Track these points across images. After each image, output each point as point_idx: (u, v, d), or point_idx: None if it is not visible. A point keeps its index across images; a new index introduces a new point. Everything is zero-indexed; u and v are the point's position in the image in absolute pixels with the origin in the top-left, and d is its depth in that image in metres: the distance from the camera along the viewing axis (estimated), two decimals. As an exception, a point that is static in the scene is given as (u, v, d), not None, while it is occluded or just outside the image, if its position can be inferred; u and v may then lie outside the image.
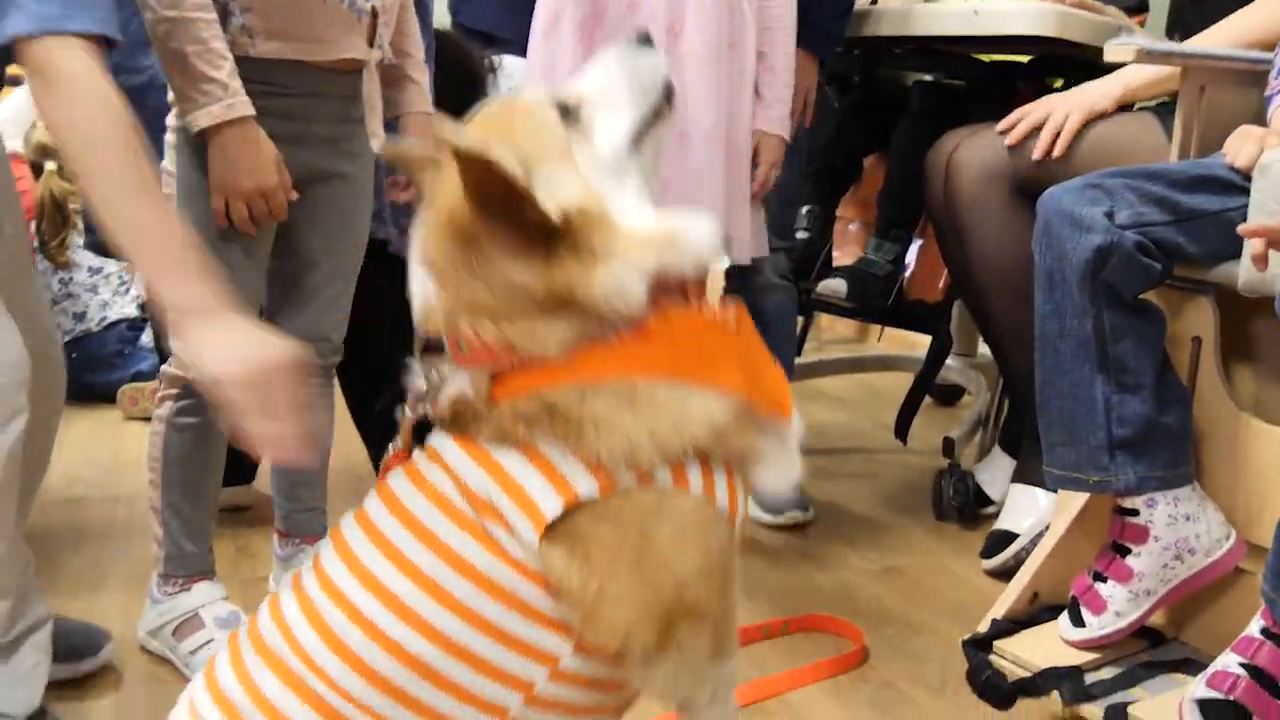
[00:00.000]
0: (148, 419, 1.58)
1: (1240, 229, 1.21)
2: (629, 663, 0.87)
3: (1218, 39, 1.68)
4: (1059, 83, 2.30)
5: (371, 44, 1.46)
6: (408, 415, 0.93)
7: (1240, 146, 1.39)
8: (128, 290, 2.88)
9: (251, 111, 1.32)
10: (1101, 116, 1.77)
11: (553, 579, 0.83)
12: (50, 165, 2.92)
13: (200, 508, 1.55)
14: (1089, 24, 1.99)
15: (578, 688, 0.88)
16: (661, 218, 0.89)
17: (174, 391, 1.49)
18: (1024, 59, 2.33)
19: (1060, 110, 1.77)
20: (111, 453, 2.50)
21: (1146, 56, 1.50)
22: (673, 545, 0.85)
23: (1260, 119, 1.50)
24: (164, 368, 1.52)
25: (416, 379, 0.91)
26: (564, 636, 0.85)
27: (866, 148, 2.43)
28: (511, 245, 0.84)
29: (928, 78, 2.42)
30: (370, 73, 1.47)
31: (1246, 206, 1.35)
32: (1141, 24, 2.40)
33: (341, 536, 0.90)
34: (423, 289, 0.89)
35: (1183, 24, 1.99)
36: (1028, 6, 1.96)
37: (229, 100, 1.31)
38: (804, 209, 2.37)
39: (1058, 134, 1.76)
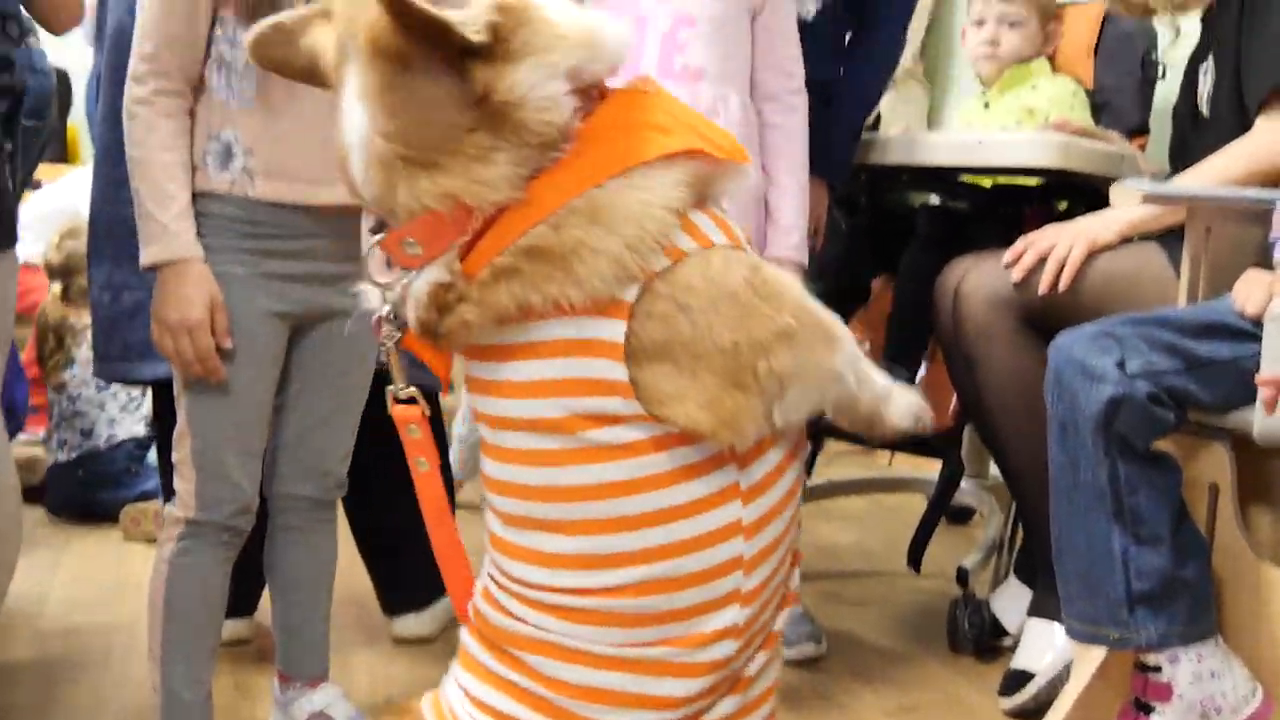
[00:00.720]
0: (151, 541, 1.57)
1: (1258, 378, 1.20)
2: (775, 413, 0.86)
3: (1214, 174, 1.69)
4: (1064, 205, 2.31)
5: None
6: (389, 348, 0.91)
7: (1249, 293, 1.38)
8: (137, 408, 2.87)
9: (193, 253, 1.35)
10: (1105, 247, 1.78)
11: (661, 393, 0.83)
12: (55, 287, 2.94)
13: (201, 652, 1.52)
14: (1091, 153, 2.00)
15: (767, 488, 0.88)
16: (581, 16, 0.87)
17: (176, 532, 1.47)
18: (1030, 182, 2.35)
19: (1064, 242, 1.77)
20: (112, 575, 2.47)
21: (1152, 199, 1.50)
22: (725, 300, 0.85)
23: (1265, 259, 1.50)
24: (166, 508, 1.50)
25: (372, 298, 0.91)
26: (724, 467, 0.86)
27: (874, 270, 2.43)
28: (437, 73, 0.82)
29: (934, 201, 2.44)
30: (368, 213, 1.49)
31: (1259, 354, 1.34)
32: (1142, 147, 2.42)
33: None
34: (358, 162, 0.86)
35: (1184, 148, 2.00)
36: (1031, 137, 1.98)
37: (168, 241, 1.35)
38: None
39: (1062, 266, 1.76)
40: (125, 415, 2.85)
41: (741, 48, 1.71)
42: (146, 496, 2.80)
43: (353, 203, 1.42)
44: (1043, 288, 1.76)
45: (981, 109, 2.54)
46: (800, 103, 1.79)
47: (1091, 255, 1.76)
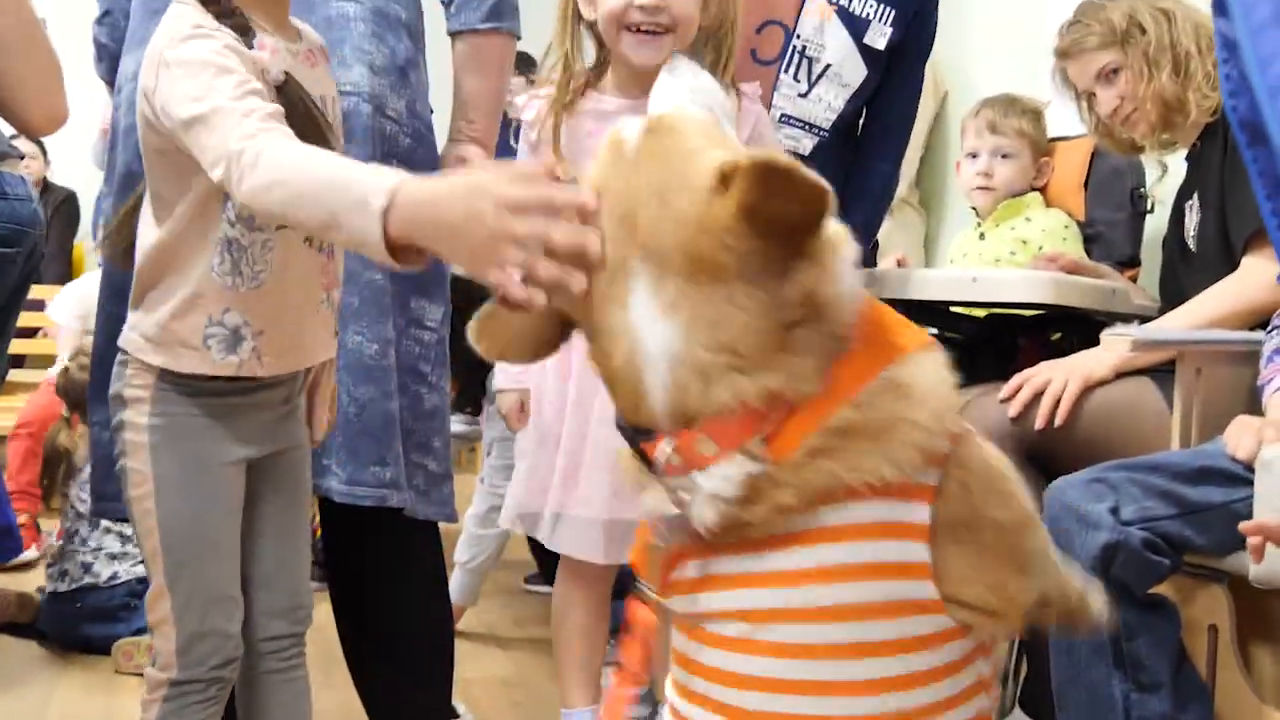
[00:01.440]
0: (141, 675, 1.54)
1: (1241, 526, 1.21)
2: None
3: (1201, 314, 1.72)
4: (1058, 335, 2.35)
5: (335, 335, 1.48)
6: (660, 547, 0.88)
7: (1239, 438, 1.40)
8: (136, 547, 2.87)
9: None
10: (1100, 382, 1.80)
11: (956, 574, 0.84)
12: (63, 410, 2.94)
13: None
14: (1084, 289, 2.04)
15: None
16: None
17: (161, 694, 1.41)
18: (1024, 312, 2.39)
19: (1059, 378, 1.80)
20: (103, 711, 2.45)
21: (1142, 347, 1.53)
22: (997, 480, 0.89)
23: (1255, 395, 1.53)
24: (148, 670, 1.43)
25: (655, 501, 0.87)
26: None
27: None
28: (764, 268, 0.83)
29: (931, 332, 2.47)
30: (331, 364, 1.49)
31: (1251, 498, 1.35)
32: (1134, 279, 2.46)
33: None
34: (662, 376, 0.84)
35: (1174, 280, 2.04)
36: (1023, 275, 2.02)
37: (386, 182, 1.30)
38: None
39: (1057, 401, 1.79)
40: (125, 555, 2.82)
41: None
42: (141, 632, 2.77)
43: (330, 357, 1.44)
44: (1039, 423, 1.78)
45: (977, 239, 2.59)
46: None
47: (1087, 390, 1.79)
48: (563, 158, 1.70)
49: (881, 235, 3.07)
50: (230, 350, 1.33)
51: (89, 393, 1.86)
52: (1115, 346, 1.54)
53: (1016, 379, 1.85)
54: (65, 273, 5.13)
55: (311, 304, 1.38)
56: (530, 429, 1.79)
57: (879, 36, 1.97)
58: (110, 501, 1.84)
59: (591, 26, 1.72)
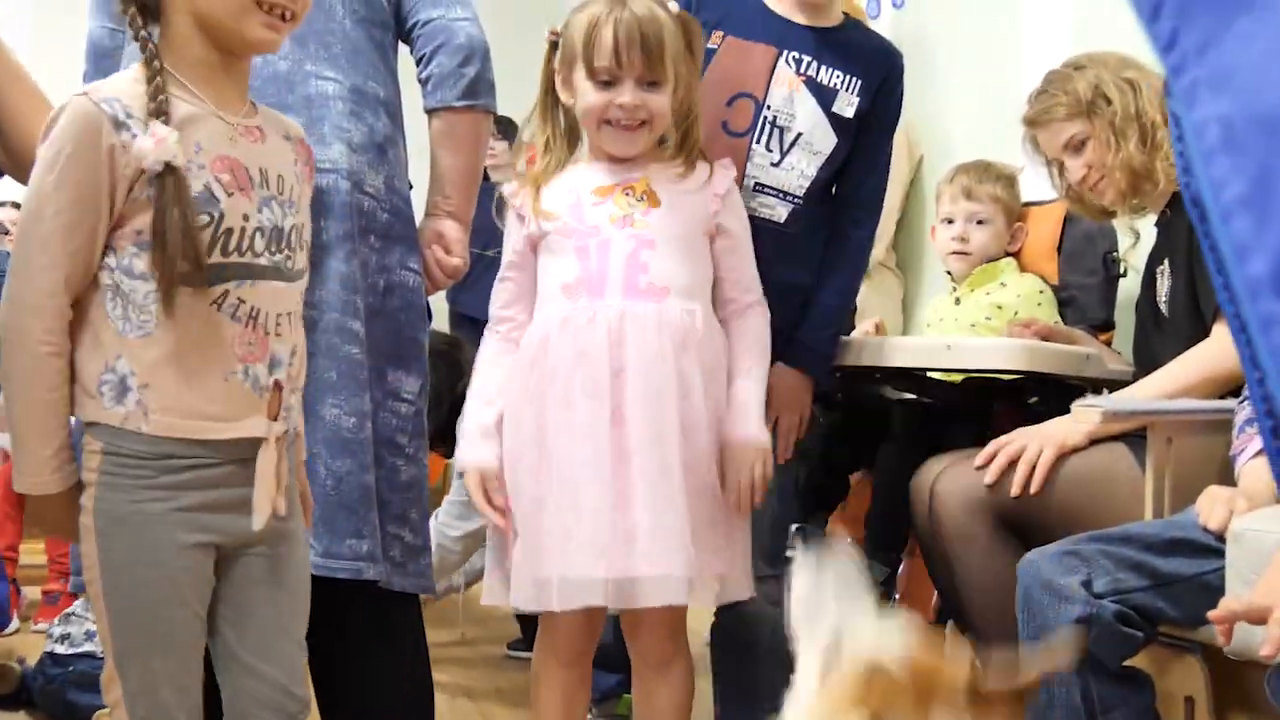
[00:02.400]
0: None
1: (1210, 615, 1.21)
2: None
3: (1172, 382, 1.74)
4: (1033, 400, 2.37)
5: (274, 418, 1.40)
6: None
7: (1211, 509, 1.42)
8: None
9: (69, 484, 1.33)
10: (1075, 449, 1.82)
11: None
12: None
13: None
14: (1058, 356, 2.07)
15: None
16: None
17: None
18: (1000, 377, 2.41)
19: (1034, 445, 1.81)
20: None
21: (1113, 418, 1.55)
22: None
23: (1227, 463, 1.54)
24: None
25: None
26: None
27: (852, 465, 2.47)
28: None
29: (909, 397, 2.49)
30: (268, 447, 1.38)
31: (1223, 568, 1.36)
32: (1108, 342, 2.49)
33: None
34: None
35: (1147, 345, 2.07)
36: (999, 342, 2.05)
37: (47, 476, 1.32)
38: (793, 528, 2.39)
39: (1032, 469, 1.80)
40: None
41: (702, 265, 1.77)
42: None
43: (255, 435, 1.36)
44: (1014, 490, 1.79)
45: (952, 304, 2.62)
46: (757, 310, 1.83)
47: (1061, 457, 1.80)
48: (542, 211, 1.75)
49: (859, 299, 3.10)
50: (118, 399, 1.30)
51: None
52: (1086, 417, 1.56)
53: (991, 446, 1.87)
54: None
55: (219, 371, 1.33)
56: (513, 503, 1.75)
57: (847, 105, 2.00)
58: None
59: (567, 110, 1.76)
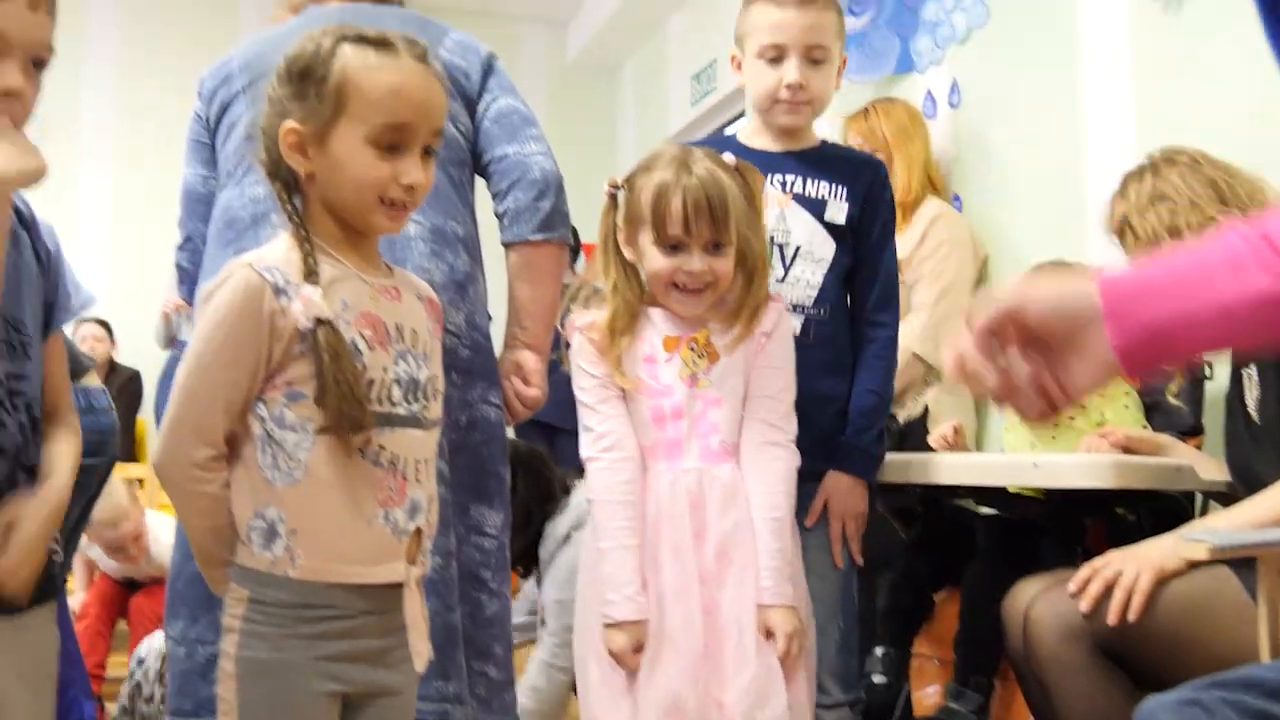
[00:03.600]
0: None
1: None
2: None
3: (1275, 508, 1.68)
4: (1123, 510, 2.30)
5: (413, 562, 1.45)
6: None
7: None
8: None
9: None
10: (1174, 574, 1.75)
11: None
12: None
13: None
14: (1148, 470, 2.01)
15: None
16: None
17: None
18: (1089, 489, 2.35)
19: (1130, 570, 1.75)
20: None
21: (1220, 553, 1.49)
22: None
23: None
24: None
25: None
26: None
27: (936, 584, 2.41)
28: None
29: (993, 512, 2.44)
30: (410, 590, 1.45)
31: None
32: (1198, 446, 2.42)
33: None
34: None
35: (1242, 455, 2.00)
36: (1086, 459, 2.00)
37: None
38: (878, 651, 2.33)
39: (1129, 595, 1.74)
40: None
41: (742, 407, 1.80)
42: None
43: (396, 580, 1.41)
44: (1112, 619, 1.73)
45: None
46: (780, 453, 1.79)
47: (1162, 582, 1.74)
48: (621, 372, 1.74)
49: (931, 403, 3.07)
50: (266, 545, 1.36)
51: (167, 605, 1.89)
52: (1193, 551, 1.50)
53: (1085, 570, 1.81)
54: (129, 450, 5.23)
55: (361, 516, 1.38)
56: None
57: (838, 212, 2.03)
58: (186, 718, 1.83)
59: (630, 264, 1.78)
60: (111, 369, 5.22)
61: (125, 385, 5.28)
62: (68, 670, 1.76)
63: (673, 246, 1.71)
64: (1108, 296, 0.81)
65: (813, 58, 1.98)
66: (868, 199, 2.05)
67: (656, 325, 1.77)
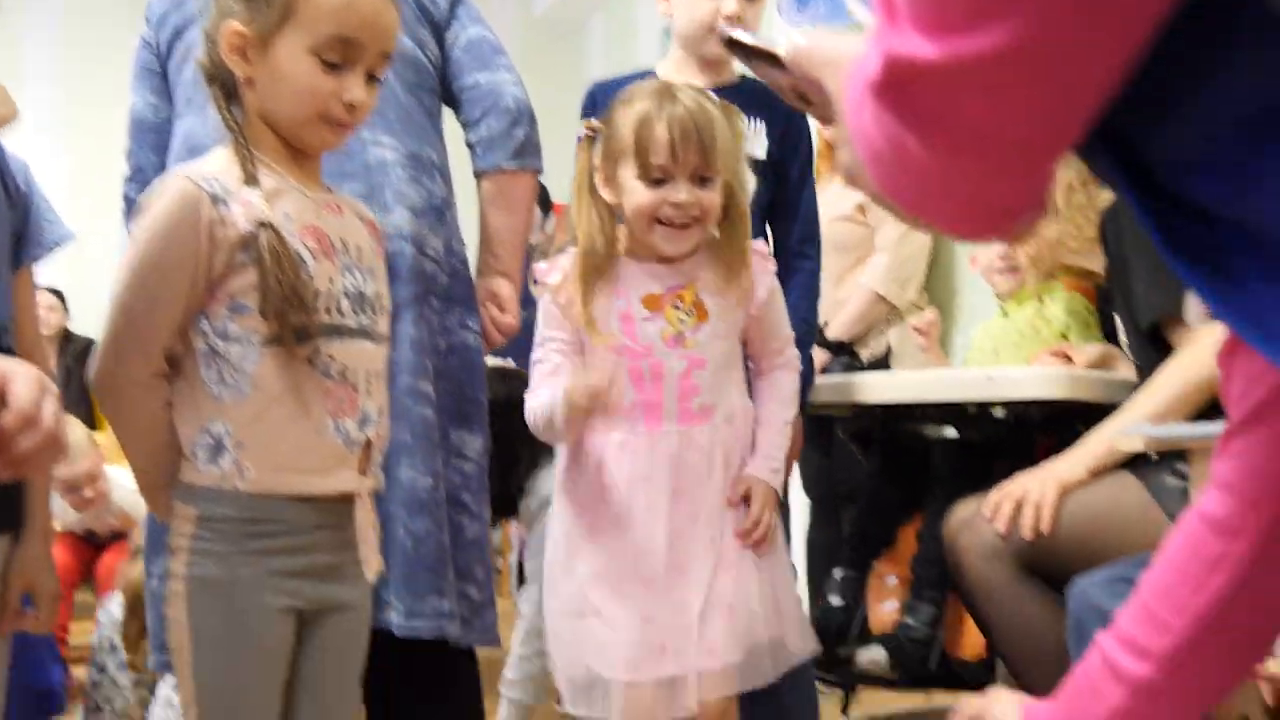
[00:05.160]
0: None
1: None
2: None
3: (1161, 400, 1.74)
4: (1080, 429, 2.36)
5: (364, 473, 1.44)
6: None
7: None
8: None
9: None
10: (1078, 484, 1.81)
11: None
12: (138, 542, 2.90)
13: None
14: (1101, 383, 2.08)
15: None
16: None
17: None
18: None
19: (1035, 488, 1.82)
20: None
21: (1155, 443, 1.56)
22: None
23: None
24: None
25: None
26: None
27: (903, 519, 2.46)
28: None
29: (951, 433, 2.49)
30: (363, 501, 1.44)
31: (1274, 588, 1.36)
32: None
33: None
34: None
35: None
36: (1040, 371, 2.06)
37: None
38: (837, 574, 2.39)
39: (1038, 510, 1.80)
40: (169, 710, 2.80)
41: (738, 367, 1.78)
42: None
43: (348, 489, 1.41)
44: (1026, 534, 1.79)
45: (1001, 318, 2.64)
46: (786, 367, 1.83)
47: (1066, 493, 1.79)
48: (594, 328, 1.69)
49: (893, 342, 3.13)
50: (212, 460, 1.33)
51: (146, 543, 1.88)
52: (1130, 444, 1.57)
53: (995, 494, 1.86)
54: (88, 419, 5.17)
55: (311, 426, 1.37)
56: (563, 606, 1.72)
57: (757, 147, 2.05)
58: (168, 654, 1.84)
59: (609, 206, 1.70)
60: (66, 339, 5.04)
61: (81, 355, 5.09)
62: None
63: (657, 180, 1.63)
64: None
65: None
66: (786, 135, 2.07)
67: (634, 281, 1.70)
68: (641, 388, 1.68)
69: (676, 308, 1.69)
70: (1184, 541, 0.80)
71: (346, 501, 1.44)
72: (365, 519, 1.45)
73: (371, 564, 1.46)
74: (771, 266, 1.80)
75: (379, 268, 1.48)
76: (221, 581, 1.34)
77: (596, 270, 1.69)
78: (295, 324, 1.32)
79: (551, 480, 2.51)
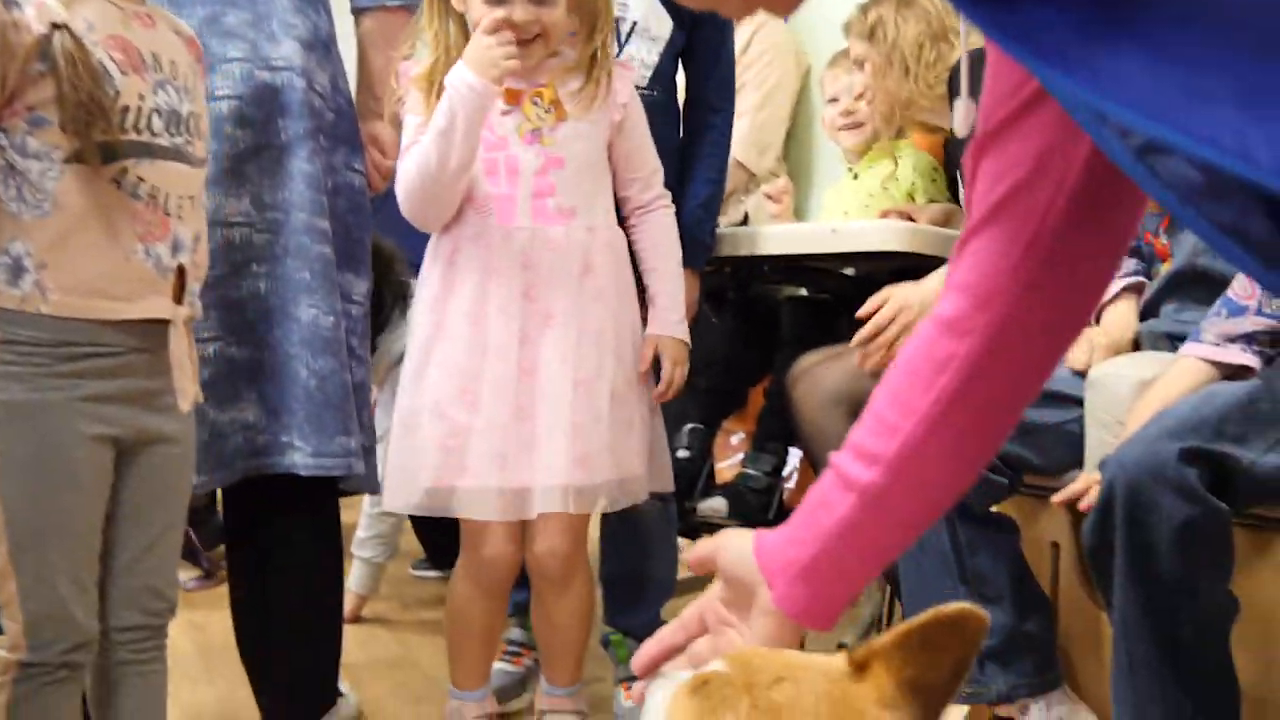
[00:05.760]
0: None
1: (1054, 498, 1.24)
2: None
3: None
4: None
5: (179, 301, 1.40)
6: None
7: (1073, 351, 1.47)
8: None
9: None
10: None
11: None
12: None
13: None
14: (943, 238, 2.11)
15: None
16: None
17: (10, 677, 1.35)
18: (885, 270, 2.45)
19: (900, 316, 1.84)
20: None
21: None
22: None
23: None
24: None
25: None
26: None
27: (754, 379, 2.49)
28: None
29: (802, 293, 2.52)
30: (177, 329, 1.40)
31: (1083, 417, 1.42)
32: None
33: None
34: None
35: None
36: (883, 224, 2.08)
37: None
38: (687, 427, 2.42)
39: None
40: None
41: (604, 181, 1.78)
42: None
43: (159, 317, 1.36)
44: (866, 363, 1.82)
45: (850, 180, 2.65)
46: (663, 205, 1.86)
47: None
48: None
49: (750, 209, 3.13)
50: (13, 282, 1.28)
51: None
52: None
53: (868, 328, 1.87)
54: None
55: (118, 249, 1.32)
56: (426, 395, 1.74)
57: None
58: None
59: (460, 15, 1.71)
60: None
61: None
62: None
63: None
64: (761, 557, 0.82)
65: None
66: None
67: None
68: (496, 181, 1.70)
69: (535, 104, 1.71)
70: (917, 345, 0.79)
71: (161, 327, 1.39)
72: (180, 347, 1.41)
73: (187, 393, 1.41)
74: (631, 75, 1.80)
75: (197, 87, 1.42)
76: (29, 405, 1.30)
77: (442, 64, 1.69)
78: (98, 140, 1.26)
79: (402, 341, 2.50)
